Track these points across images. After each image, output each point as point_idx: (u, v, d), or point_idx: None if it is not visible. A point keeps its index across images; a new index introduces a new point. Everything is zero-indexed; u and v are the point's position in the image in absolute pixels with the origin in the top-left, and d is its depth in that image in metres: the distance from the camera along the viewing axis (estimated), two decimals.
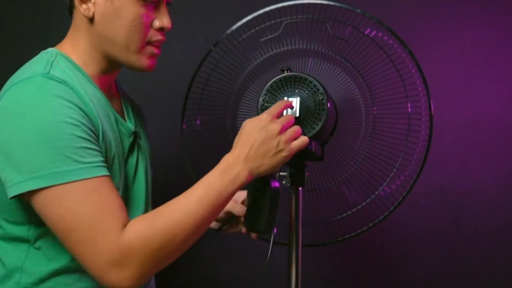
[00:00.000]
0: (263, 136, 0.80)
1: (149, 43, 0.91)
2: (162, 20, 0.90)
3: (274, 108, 0.81)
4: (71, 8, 0.88)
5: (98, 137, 0.85)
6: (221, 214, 1.03)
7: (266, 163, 0.82)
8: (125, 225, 0.80)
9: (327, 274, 1.37)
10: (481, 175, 1.28)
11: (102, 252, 0.78)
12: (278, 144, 0.80)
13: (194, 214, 0.79)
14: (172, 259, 0.82)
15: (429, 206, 1.28)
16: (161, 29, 0.91)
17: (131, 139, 0.95)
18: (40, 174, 0.78)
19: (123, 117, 0.97)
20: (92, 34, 0.90)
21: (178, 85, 1.10)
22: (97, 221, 0.79)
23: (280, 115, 0.82)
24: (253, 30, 0.94)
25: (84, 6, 0.87)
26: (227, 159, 0.82)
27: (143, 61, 0.91)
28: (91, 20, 0.89)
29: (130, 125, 0.97)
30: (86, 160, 0.80)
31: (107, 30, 0.89)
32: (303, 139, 0.81)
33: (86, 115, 0.82)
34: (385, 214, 0.91)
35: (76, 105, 0.81)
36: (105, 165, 0.83)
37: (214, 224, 1.05)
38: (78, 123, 0.80)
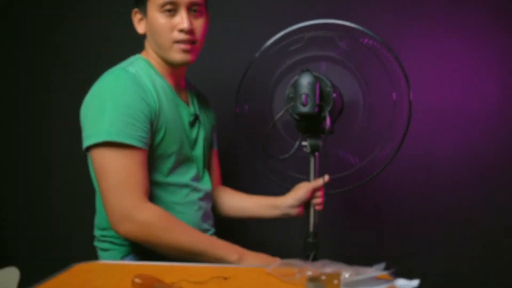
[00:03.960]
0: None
1: (176, 42, 1.09)
2: (180, 23, 1.07)
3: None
4: (137, 29, 1.16)
5: (151, 114, 1.05)
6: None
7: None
8: (144, 193, 1.02)
9: (334, 218, 1.64)
10: (446, 144, 1.59)
11: (118, 204, 1.00)
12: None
13: (187, 249, 1.02)
14: (159, 251, 1.04)
15: (408, 167, 1.59)
16: (181, 30, 1.08)
17: (191, 118, 1.19)
18: (101, 132, 1.01)
19: (187, 103, 1.21)
20: (149, 43, 1.15)
21: (233, 81, 1.35)
22: (122, 180, 1.00)
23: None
24: (284, 43, 1.25)
25: (139, 27, 1.14)
26: (238, 251, 1.05)
27: (173, 56, 1.10)
28: (146, 35, 1.15)
29: (191, 109, 1.21)
30: (134, 132, 1.01)
31: (152, 38, 1.12)
32: None
33: (143, 99, 1.04)
34: (377, 171, 1.23)
35: (139, 92, 1.04)
36: (148, 142, 1.04)
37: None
38: (138, 104, 1.03)
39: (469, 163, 1.58)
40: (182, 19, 1.06)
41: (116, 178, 1.00)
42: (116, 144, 0.99)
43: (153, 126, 1.07)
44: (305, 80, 1.12)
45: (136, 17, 1.14)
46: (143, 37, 1.19)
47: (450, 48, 1.58)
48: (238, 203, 1.35)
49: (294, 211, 1.25)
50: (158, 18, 1.07)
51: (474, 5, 1.56)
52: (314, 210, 1.23)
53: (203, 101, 1.32)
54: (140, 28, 1.14)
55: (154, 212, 1.01)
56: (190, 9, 1.08)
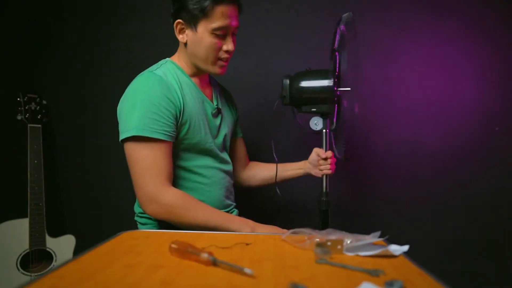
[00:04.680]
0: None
1: (219, 59, 1.19)
2: (228, 46, 1.17)
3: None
4: (178, 37, 1.22)
5: (175, 110, 1.10)
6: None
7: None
8: (166, 178, 1.07)
9: (344, 181, 1.90)
10: (430, 132, 1.89)
11: (145, 188, 1.07)
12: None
13: (205, 225, 1.09)
14: (181, 227, 1.10)
15: (399, 151, 1.89)
16: (227, 51, 1.18)
17: (214, 111, 1.28)
18: (131, 128, 1.06)
19: (211, 99, 1.30)
20: (187, 52, 1.21)
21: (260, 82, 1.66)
22: (147, 168, 1.07)
23: None
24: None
25: (181, 36, 1.20)
26: (249, 225, 1.12)
27: (215, 69, 1.20)
28: (186, 44, 1.20)
29: (214, 104, 1.30)
30: (159, 127, 1.05)
31: (194, 50, 1.19)
32: None
33: (168, 97, 1.09)
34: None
35: (164, 91, 1.09)
36: (172, 134, 1.08)
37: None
38: (163, 102, 1.07)
39: (449, 147, 1.86)
40: (230, 43, 1.18)
41: (143, 166, 1.07)
42: (143, 138, 1.07)
43: (178, 120, 1.16)
44: (282, 82, 1.34)
45: (178, 27, 1.19)
46: (171, 44, 1.29)
47: (434, 54, 1.86)
48: (269, 171, 1.52)
49: (313, 171, 1.41)
50: (208, 38, 1.16)
51: (454, 19, 1.84)
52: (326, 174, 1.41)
53: (226, 98, 1.42)
54: (182, 37, 1.20)
55: (175, 194, 1.09)
56: (232, 33, 1.20)
